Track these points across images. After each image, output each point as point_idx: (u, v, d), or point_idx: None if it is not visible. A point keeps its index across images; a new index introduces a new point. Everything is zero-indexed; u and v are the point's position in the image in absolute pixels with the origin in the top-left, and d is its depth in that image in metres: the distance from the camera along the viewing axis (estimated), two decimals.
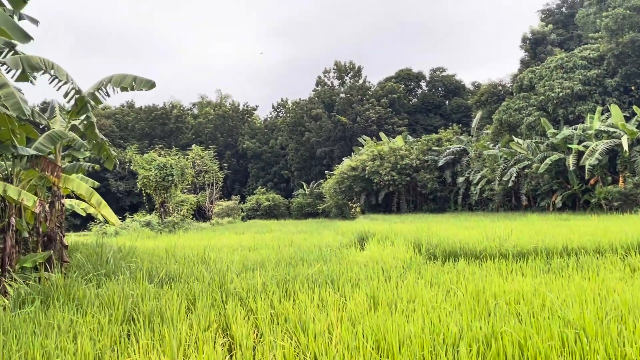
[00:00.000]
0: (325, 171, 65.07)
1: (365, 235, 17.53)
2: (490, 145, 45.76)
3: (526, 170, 38.28)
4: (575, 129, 37.17)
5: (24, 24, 10.89)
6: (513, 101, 43.53)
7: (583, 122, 38.66)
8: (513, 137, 41.64)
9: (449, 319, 6.40)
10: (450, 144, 52.49)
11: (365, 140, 59.34)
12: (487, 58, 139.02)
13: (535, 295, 7.65)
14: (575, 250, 12.27)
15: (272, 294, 8.17)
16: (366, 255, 12.60)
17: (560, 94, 39.65)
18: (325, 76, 74.84)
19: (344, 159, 60.43)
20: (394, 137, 59.50)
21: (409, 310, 7.02)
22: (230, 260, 12.42)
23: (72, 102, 12.50)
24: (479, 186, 44.34)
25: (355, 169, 52.31)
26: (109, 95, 13.59)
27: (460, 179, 48.14)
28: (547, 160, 35.47)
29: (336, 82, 74.35)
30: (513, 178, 39.08)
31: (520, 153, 39.49)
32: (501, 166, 41.24)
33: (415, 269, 10.36)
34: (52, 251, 12.06)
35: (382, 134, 59.75)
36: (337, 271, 9.91)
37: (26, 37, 8.52)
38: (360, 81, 73.02)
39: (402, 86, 74.34)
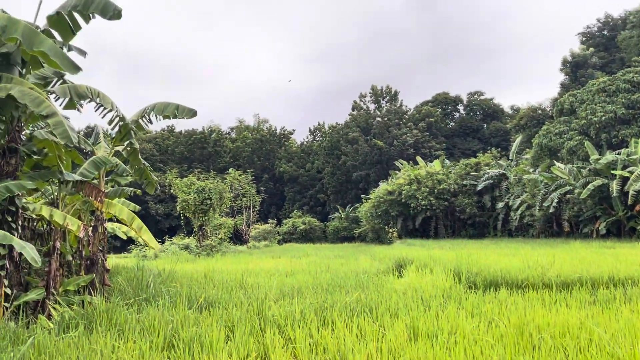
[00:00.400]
0: (362, 195, 64.89)
1: (403, 261, 17.29)
2: (530, 170, 44.92)
3: (568, 196, 37.34)
4: (619, 154, 36.13)
5: (72, 55, 11.31)
6: (553, 125, 42.77)
7: (627, 147, 37.59)
8: (554, 161, 40.80)
9: (492, 353, 6.23)
10: (489, 169, 51.68)
11: (402, 164, 59.05)
12: (526, 82, 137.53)
13: (582, 329, 7.38)
14: (623, 281, 11.82)
15: (310, 322, 8.08)
16: (404, 282, 12.42)
17: (603, 118, 38.77)
18: (361, 100, 75.44)
19: (380, 182, 60.21)
20: (431, 161, 59.12)
21: (450, 342, 6.85)
22: (267, 286, 12.41)
23: (116, 128, 12.94)
24: (518, 212, 43.43)
25: (392, 193, 51.96)
26: (151, 123, 13.86)
27: (500, 204, 47.26)
28: (590, 186, 34.49)
29: (372, 106, 74.87)
30: (554, 204, 38.11)
31: (561, 178, 38.58)
32: (542, 191, 40.35)
33: (455, 299, 10.12)
34: (94, 274, 12.23)
35: (419, 158, 59.33)
36: (375, 299, 9.78)
37: (75, 68, 8.83)
38: (397, 105, 73.10)
39: (440, 110, 74.13)
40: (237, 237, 57.45)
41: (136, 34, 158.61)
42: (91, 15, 9.98)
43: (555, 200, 38.09)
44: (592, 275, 12.18)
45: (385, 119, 71.38)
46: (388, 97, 74.19)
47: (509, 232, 47.70)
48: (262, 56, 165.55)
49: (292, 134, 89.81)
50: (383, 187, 53.89)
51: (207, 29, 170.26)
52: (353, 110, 75.54)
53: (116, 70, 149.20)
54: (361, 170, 70.82)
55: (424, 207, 50.13)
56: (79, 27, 9.94)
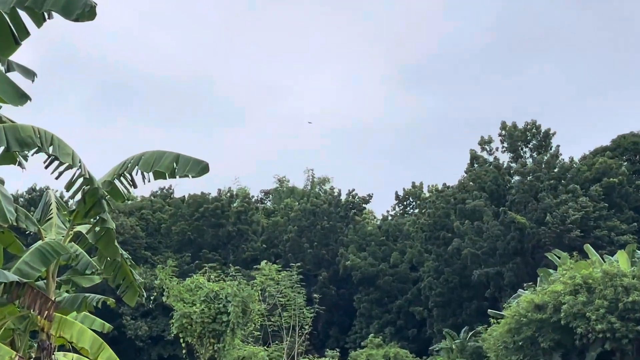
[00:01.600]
0: (488, 310, 63.33)
1: None
2: None
3: None
4: None
5: (15, 77, 11.65)
6: None
7: None
8: None
9: None
10: None
11: (559, 258, 57.77)
12: None
13: None
14: None
15: None
16: None
17: None
18: (485, 147, 75.44)
19: (521, 290, 58.85)
20: (612, 254, 57.48)
21: None
22: None
23: (79, 195, 13.19)
24: None
25: (543, 308, 50.66)
26: (134, 186, 14.65)
27: None
28: None
29: (506, 157, 74.69)
30: None
31: None
32: None
33: None
34: None
35: (589, 247, 57.89)
36: None
37: (21, 97, 9.06)
38: (550, 155, 72.69)
39: (625, 163, 72.73)
40: None
41: (127, 43, 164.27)
42: (47, 15, 10.32)
43: None
44: None
45: (530, 178, 70.63)
46: (534, 142, 73.79)
47: None
48: (320, 80, 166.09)
49: (367, 202, 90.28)
50: (527, 297, 52.60)
51: (230, 40, 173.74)
52: (472, 163, 75.36)
53: (92, 97, 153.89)
54: (487, 267, 69.63)
55: (600, 335, 48.57)
56: (26, 34, 10.24)
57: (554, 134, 74.20)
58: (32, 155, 12.48)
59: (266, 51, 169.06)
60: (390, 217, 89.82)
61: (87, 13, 10.14)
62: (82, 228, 14.89)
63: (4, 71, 10.84)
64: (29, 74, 11.59)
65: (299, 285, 57.09)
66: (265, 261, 57.32)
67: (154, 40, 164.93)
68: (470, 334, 65.88)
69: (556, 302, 50.59)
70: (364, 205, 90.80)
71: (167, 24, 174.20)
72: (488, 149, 75.60)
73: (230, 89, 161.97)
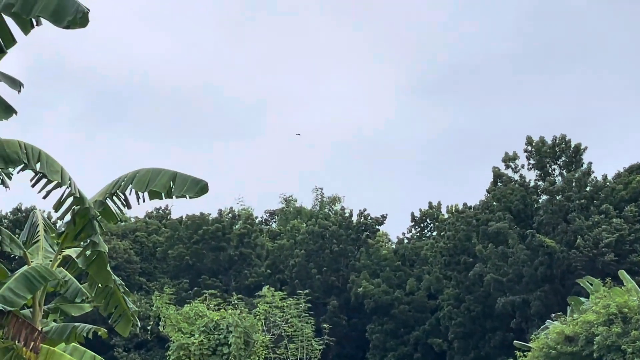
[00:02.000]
0: (514, 341, 62.99)
1: None
2: None
3: None
4: None
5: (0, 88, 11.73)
6: None
7: None
8: None
9: None
10: None
11: (591, 284, 57.53)
12: None
13: None
14: None
15: None
16: None
17: None
18: (509, 164, 75.50)
19: (549, 320, 58.60)
20: None
21: None
22: None
23: (68, 216, 13.23)
24: None
25: (573, 339, 50.44)
26: (128, 206, 14.78)
27: None
28: None
29: (532, 175, 74.72)
30: None
31: None
32: None
33: None
34: None
35: (623, 273, 57.62)
36: None
37: (6, 110, 9.09)
38: (582, 172, 72.49)
39: None
40: None
41: (120, 51, 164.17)
42: (35, 21, 10.38)
43: None
44: None
45: (560, 197, 70.50)
46: (564, 158, 73.78)
47: None
48: (329, 91, 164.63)
49: (381, 223, 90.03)
50: (556, 327, 52.37)
51: (231, 48, 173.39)
52: (495, 181, 75.24)
53: (84, 109, 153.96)
54: (513, 294, 69.52)
55: None
56: (12, 42, 10.28)
57: (585, 149, 73.74)
58: (18, 172, 12.51)
59: (273, 61, 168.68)
60: (406, 240, 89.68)
61: (79, 20, 10.16)
62: (72, 252, 14.87)
63: None
64: (15, 84, 11.52)
65: (307, 315, 56.81)
66: (268, 286, 57.37)
67: (149, 49, 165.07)
68: None
69: (588, 334, 50.29)
70: (377, 227, 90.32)
71: (164, 31, 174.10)
72: (513, 166, 75.39)
73: (233, 100, 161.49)
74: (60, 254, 14.64)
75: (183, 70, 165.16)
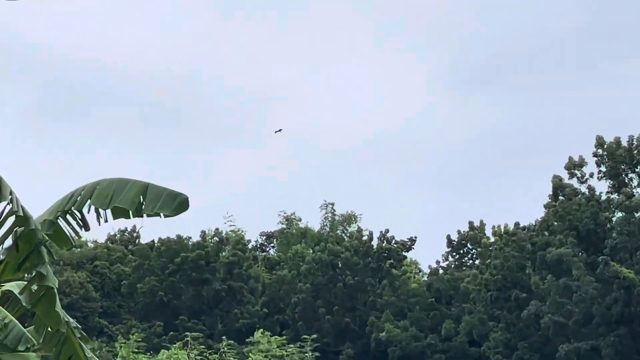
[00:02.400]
0: None
1: None
2: None
3: None
4: None
5: None
6: None
7: None
8: None
9: None
10: None
11: None
12: None
13: None
14: None
15: None
16: None
17: None
18: (575, 173, 73.58)
19: None
20: None
21: None
22: None
23: (9, 241, 13.36)
24: None
25: None
26: (85, 228, 14.20)
27: None
28: None
29: (603, 186, 73.51)
30: None
31: None
32: None
33: None
34: None
35: None
36: None
37: None
38: None
39: None
40: None
41: (87, 30, 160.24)
42: None
43: None
44: None
45: (639, 214, 68.83)
46: None
47: None
48: (345, 83, 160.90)
49: (409, 249, 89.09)
50: None
51: (223, 34, 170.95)
52: (556, 194, 74.12)
53: (34, 103, 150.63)
54: (579, 340, 68.34)
55: None
56: None
57: None
58: None
59: (273, 53, 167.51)
60: (441, 271, 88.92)
61: None
62: (13, 286, 14.58)
63: None
64: None
65: None
66: (262, 330, 55.22)
67: (124, 34, 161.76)
68: None
69: None
70: (403, 253, 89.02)
71: (144, 10, 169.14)
72: (579, 175, 74.66)
73: (224, 94, 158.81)
74: None
75: (164, 57, 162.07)
